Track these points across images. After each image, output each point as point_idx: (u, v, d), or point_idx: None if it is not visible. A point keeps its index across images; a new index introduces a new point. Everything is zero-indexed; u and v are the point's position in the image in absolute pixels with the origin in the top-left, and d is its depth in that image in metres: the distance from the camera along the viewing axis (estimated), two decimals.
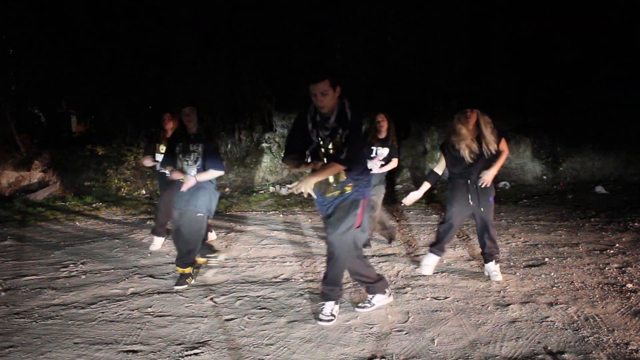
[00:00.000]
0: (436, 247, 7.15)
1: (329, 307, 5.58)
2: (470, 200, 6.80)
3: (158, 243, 9.43)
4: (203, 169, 6.96)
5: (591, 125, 17.12)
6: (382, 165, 8.59)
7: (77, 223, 12.20)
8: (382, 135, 8.65)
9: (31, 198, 15.67)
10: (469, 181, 6.80)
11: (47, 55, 19.48)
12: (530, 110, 18.49)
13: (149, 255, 8.78)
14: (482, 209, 6.79)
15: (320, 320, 5.47)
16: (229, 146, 18.88)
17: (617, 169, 16.74)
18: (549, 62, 17.85)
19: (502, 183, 16.29)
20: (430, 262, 7.22)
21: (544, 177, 17.11)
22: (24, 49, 19.80)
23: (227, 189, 16.90)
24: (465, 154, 6.67)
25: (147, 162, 9.20)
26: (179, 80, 17.71)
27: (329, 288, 5.56)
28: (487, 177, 6.71)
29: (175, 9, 18.41)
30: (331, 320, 5.49)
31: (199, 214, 6.97)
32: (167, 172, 7.38)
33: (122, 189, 16.83)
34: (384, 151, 8.60)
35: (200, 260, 7.52)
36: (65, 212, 13.71)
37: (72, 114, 23.32)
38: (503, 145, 6.87)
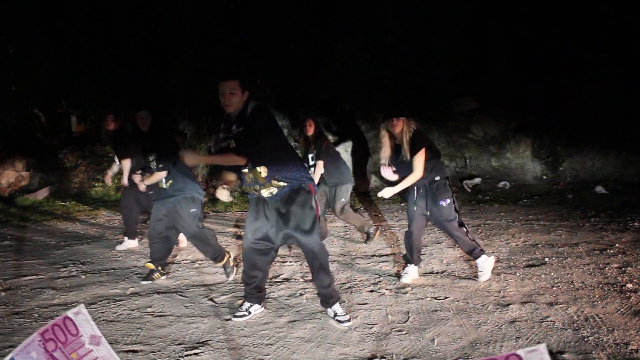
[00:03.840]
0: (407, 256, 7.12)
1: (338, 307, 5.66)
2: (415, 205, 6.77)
3: (126, 245, 9.47)
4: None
5: (591, 125, 17.13)
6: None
7: (77, 223, 12.24)
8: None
9: (31, 198, 15.67)
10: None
11: (47, 55, 19.49)
12: (530, 110, 18.51)
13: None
14: (428, 212, 6.75)
15: (344, 321, 5.49)
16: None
17: (617, 169, 16.75)
18: (549, 62, 17.87)
19: (503, 183, 16.30)
20: (409, 271, 7.18)
21: (544, 177, 17.12)
22: (24, 49, 19.82)
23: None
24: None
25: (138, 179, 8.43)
26: (179, 80, 17.70)
27: (333, 288, 5.64)
28: (384, 193, 6.67)
29: (175, 9, 18.41)
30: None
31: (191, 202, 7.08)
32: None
33: (122, 189, 16.82)
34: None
35: (150, 265, 7.28)
36: (65, 212, 13.74)
37: (72, 114, 23.33)
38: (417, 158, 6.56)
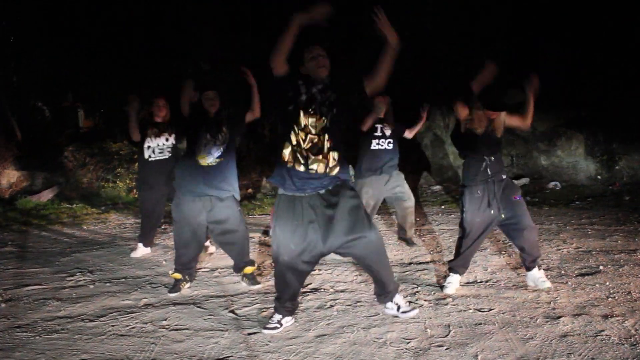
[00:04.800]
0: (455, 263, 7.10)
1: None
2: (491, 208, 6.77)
3: (140, 252, 9.48)
4: (227, 149, 6.95)
5: None
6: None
7: (85, 227, 12.30)
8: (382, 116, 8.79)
9: (34, 200, 15.77)
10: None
11: (50, 44, 19.59)
12: (583, 103, 18.36)
13: (164, 262, 8.82)
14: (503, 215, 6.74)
15: (409, 311, 5.77)
16: (251, 143, 18.90)
17: None
18: (605, 49, 17.70)
19: (553, 183, 16.21)
20: (453, 281, 7.13)
21: (598, 177, 16.99)
22: (25, 37, 19.93)
23: (249, 190, 16.91)
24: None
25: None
26: (196, 71, 17.75)
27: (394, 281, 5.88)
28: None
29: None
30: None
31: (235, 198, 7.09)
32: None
33: (134, 190, 16.87)
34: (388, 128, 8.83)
35: (176, 275, 7.22)
36: (71, 216, 13.83)
37: (79, 108, 23.47)
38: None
